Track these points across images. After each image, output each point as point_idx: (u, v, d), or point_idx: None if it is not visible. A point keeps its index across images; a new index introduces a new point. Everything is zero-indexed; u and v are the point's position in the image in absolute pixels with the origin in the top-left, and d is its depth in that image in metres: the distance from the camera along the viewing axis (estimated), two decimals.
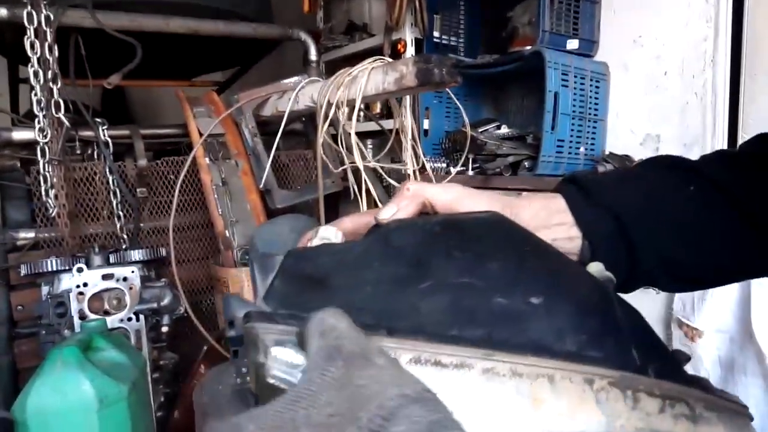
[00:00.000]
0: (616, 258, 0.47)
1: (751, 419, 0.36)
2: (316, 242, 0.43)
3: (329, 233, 0.43)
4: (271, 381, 0.30)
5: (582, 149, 1.54)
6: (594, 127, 1.56)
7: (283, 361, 0.30)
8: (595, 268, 0.42)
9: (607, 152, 1.55)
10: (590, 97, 1.54)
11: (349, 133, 1.05)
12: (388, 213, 0.44)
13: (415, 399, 0.22)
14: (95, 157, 1.36)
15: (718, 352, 1.38)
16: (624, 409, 0.31)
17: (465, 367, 0.31)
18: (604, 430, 0.31)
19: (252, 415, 0.23)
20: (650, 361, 0.35)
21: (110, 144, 1.33)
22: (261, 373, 0.31)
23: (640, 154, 1.52)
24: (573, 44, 1.54)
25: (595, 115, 1.56)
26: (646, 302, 1.52)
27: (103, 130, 1.32)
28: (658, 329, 1.52)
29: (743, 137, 1.37)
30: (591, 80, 1.54)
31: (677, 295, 1.45)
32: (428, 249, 0.39)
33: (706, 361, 1.40)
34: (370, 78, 0.98)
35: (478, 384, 0.31)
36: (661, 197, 0.49)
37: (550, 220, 0.48)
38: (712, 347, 1.39)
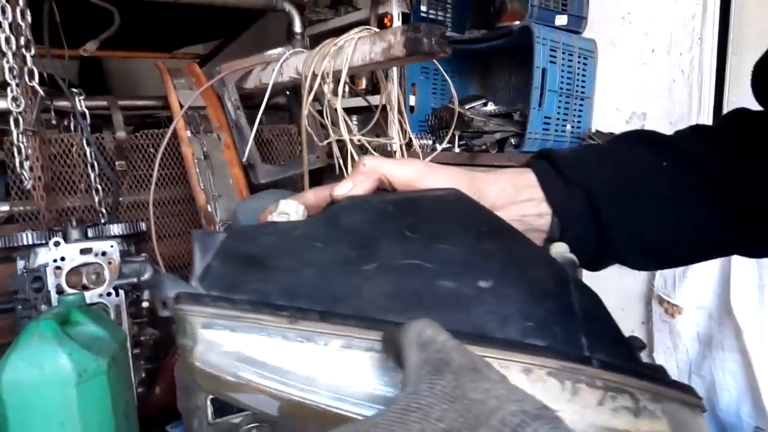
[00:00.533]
0: (586, 235, 0.46)
1: (704, 411, 0.36)
2: (275, 217, 0.41)
3: (290, 208, 0.41)
4: (199, 365, 0.29)
5: (568, 127, 1.53)
6: (581, 105, 1.56)
7: (211, 343, 0.29)
8: (559, 249, 0.41)
9: (593, 130, 1.55)
10: (578, 74, 1.53)
11: (335, 108, 1.03)
12: (344, 190, 0.42)
13: (537, 416, 0.21)
14: (72, 128, 1.32)
15: (697, 328, 1.41)
16: (560, 400, 0.31)
17: None
18: None
19: (358, 428, 0.23)
20: (599, 349, 0.34)
21: (87, 115, 1.29)
22: (188, 356, 0.30)
23: None
24: (562, 20, 1.53)
25: (582, 92, 1.55)
26: (628, 279, 1.54)
27: (79, 100, 1.27)
28: (639, 306, 1.54)
29: None
30: (579, 57, 1.53)
31: (659, 272, 1.47)
32: (378, 229, 0.37)
33: (685, 337, 1.42)
34: (356, 48, 0.96)
35: None
36: (634, 173, 0.47)
37: (519, 195, 0.46)
38: (691, 323, 1.41)
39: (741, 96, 1.34)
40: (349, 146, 1.04)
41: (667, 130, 0.51)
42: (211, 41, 2.25)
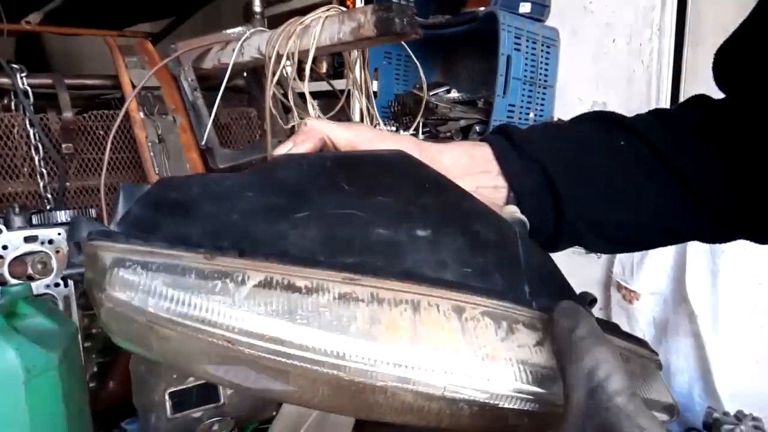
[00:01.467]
0: (541, 212, 0.45)
1: (660, 367, 0.35)
2: None
3: None
4: (108, 303, 0.27)
5: (532, 115, 1.54)
6: (544, 93, 1.57)
7: (122, 280, 0.27)
8: (509, 209, 0.40)
9: (555, 119, 1.57)
10: (541, 62, 1.54)
11: (298, 92, 0.99)
12: (284, 150, 0.40)
13: None
14: (13, 108, 1.23)
15: (653, 314, 1.45)
16: (492, 339, 0.29)
17: (320, 291, 0.28)
18: (464, 360, 0.28)
19: None
20: (542, 296, 0.32)
21: (30, 94, 1.20)
22: (97, 293, 0.27)
23: None
24: (525, 7, 1.53)
25: (545, 80, 1.56)
26: (587, 266, 1.57)
27: (21, 77, 1.19)
28: (598, 292, 1.57)
29: None
30: (542, 45, 1.53)
31: (617, 259, 1.51)
32: (314, 181, 0.35)
33: (641, 321, 1.46)
34: (324, 27, 0.92)
35: (332, 309, 0.28)
36: (590, 151, 0.47)
37: (474, 167, 0.45)
38: (648, 309, 1.45)
39: (697, 87, 1.37)
40: None
41: None
42: (162, 20, 2.15)
